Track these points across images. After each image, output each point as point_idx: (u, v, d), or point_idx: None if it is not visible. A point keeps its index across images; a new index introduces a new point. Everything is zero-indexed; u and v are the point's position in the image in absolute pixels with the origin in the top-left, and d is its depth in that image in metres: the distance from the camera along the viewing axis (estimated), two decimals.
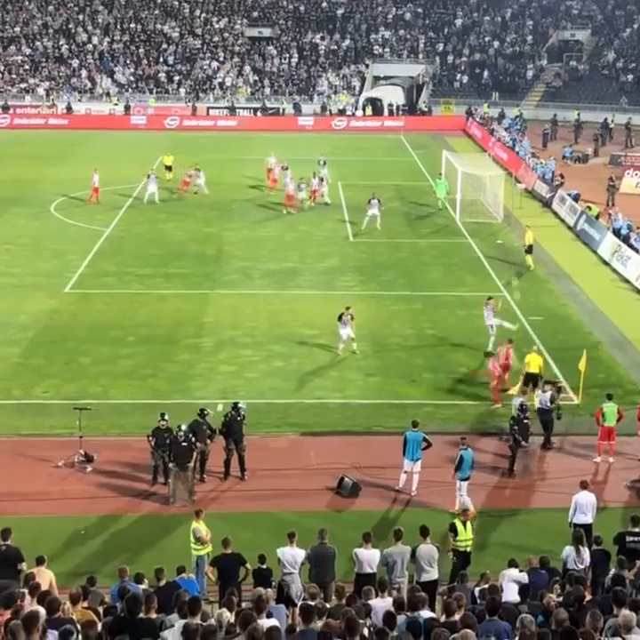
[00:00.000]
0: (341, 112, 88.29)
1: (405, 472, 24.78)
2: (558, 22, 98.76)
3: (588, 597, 15.23)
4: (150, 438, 24.96)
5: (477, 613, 13.96)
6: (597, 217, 49.16)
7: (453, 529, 20.34)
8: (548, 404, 27.19)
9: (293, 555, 18.76)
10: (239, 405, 25.91)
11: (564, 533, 20.58)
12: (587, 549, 18.89)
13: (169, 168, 58.40)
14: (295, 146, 70.82)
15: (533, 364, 29.69)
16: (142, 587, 16.55)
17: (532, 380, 29.59)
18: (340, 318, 33.39)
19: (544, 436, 27.19)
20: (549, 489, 24.75)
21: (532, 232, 44.43)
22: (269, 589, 17.03)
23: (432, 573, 19.17)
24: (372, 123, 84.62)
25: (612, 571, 17.13)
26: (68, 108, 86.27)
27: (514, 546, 21.39)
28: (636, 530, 19.05)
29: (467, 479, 23.96)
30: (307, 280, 41.65)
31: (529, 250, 43.67)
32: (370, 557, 18.74)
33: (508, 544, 21.87)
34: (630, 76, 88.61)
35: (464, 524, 20.40)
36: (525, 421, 25.95)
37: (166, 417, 25.08)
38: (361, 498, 24.59)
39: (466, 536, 20.31)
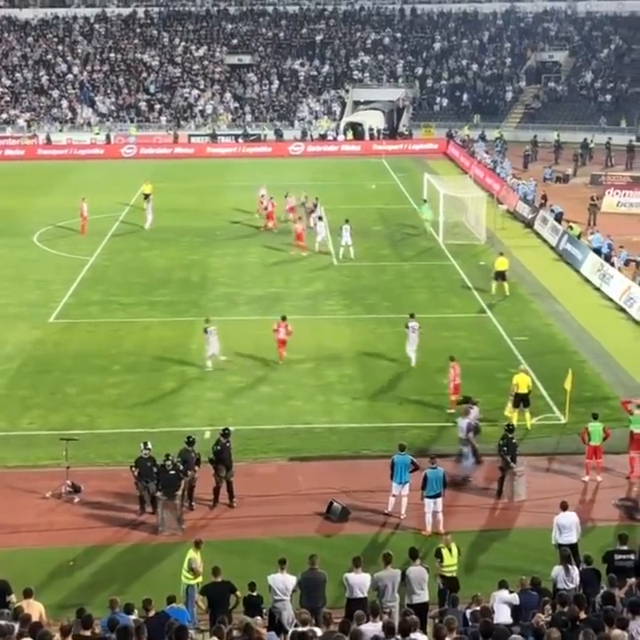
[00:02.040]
0: (322, 137, 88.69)
1: (394, 496, 24.75)
2: (536, 44, 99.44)
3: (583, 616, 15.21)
4: (133, 468, 24.87)
5: (470, 636, 13.93)
6: (579, 236, 49.41)
7: (439, 555, 20.31)
8: (467, 433, 26.91)
9: (284, 581, 18.69)
10: (228, 431, 25.84)
11: (555, 553, 20.56)
12: (576, 568, 18.88)
13: (147, 197, 58.02)
14: (278, 171, 70.97)
15: (522, 384, 29.69)
16: (133, 617, 16.45)
17: (522, 401, 29.62)
18: (205, 331, 34.27)
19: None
20: (538, 509, 24.73)
21: (506, 259, 43.59)
22: (259, 617, 16.95)
23: (423, 595, 19.15)
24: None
25: (603, 589, 17.14)
26: (48, 139, 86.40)
27: (504, 567, 21.36)
28: (625, 548, 19.07)
29: (435, 496, 23.84)
30: (291, 305, 41.66)
31: (498, 276, 42.82)
32: (360, 582, 18.68)
33: (499, 565, 21.82)
34: (608, 96, 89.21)
35: (449, 549, 20.37)
36: (514, 442, 25.98)
37: (149, 446, 24.99)
38: (350, 522, 24.54)
39: (451, 561, 20.26)
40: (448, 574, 20.08)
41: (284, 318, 35.34)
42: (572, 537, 21.30)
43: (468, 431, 26.80)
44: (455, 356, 31.86)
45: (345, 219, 49.51)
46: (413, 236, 53.81)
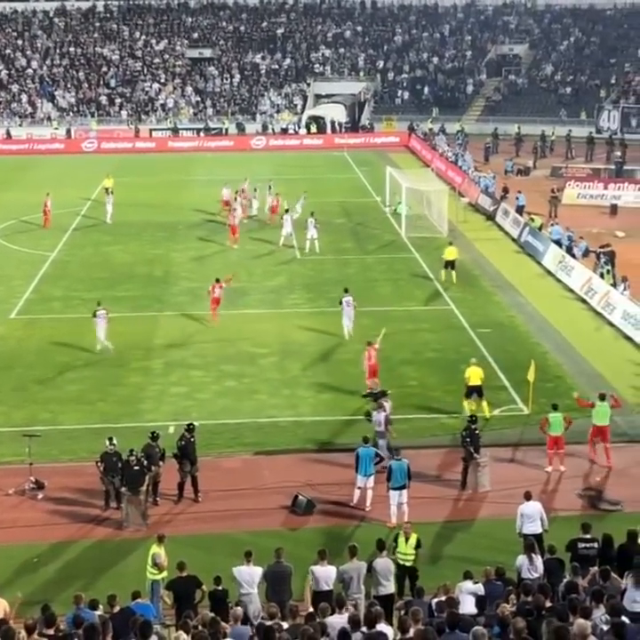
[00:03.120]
0: (284, 131, 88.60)
1: (359, 488, 24.79)
2: (496, 37, 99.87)
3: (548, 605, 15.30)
4: (99, 464, 24.77)
5: (436, 626, 13.97)
6: (540, 228, 49.69)
7: (395, 540, 20.46)
8: (385, 426, 26.95)
9: (251, 573, 18.68)
10: (192, 426, 25.76)
11: (519, 543, 20.68)
12: (539, 557, 19.00)
13: (108, 191, 57.68)
14: (240, 165, 70.75)
15: (474, 376, 29.87)
16: (97, 613, 16.37)
17: (476, 391, 29.84)
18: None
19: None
20: (502, 499, 24.84)
21: (455, 248, 44.46)
22: (239, 608, 16.87)
23: (389, 587, 19.25)
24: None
25: (566, 578, 17.26)
26: (8, 134, 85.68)
27: (469, 558, 21.42)
28: (588, 536, 19.20)
29: (399, 488, 23.87)
30: (255, 299, 41.63)
31: (450, 265, 43.51)
32: (326, 575, 18.70)
33: (463, 556, 21.89)
34: (568, 89, 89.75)
35: (406, 538, 20.43)
36: (477, 433, 26.10)
37: (114, 441, 24.90)
38: (315, 515, 24.56)
39: (405, 549, 20.33)
40: (401, 562, 20.17)
41: (217, 280, 38.24)
42: (536, 527, 21.42)
43: (386, 424, 26.84)
44: (419, 348, 31.93)
45: (310, 211, 49.62)
46: (376, 229, 53.89)
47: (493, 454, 26.81)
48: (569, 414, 27.30)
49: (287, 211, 51.02)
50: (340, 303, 36.83)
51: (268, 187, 56.97)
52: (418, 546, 20.46)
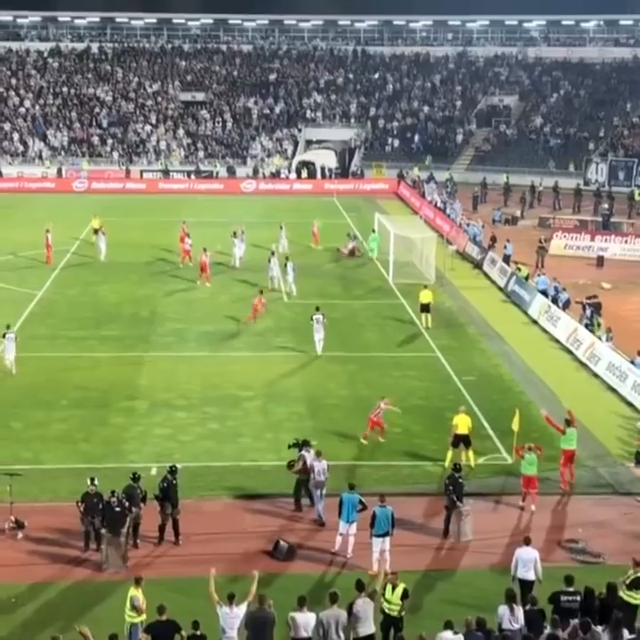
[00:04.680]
0: (275, 175, 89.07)
1: (341, 534, 24.64)
2: (487, 88, 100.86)
3: None
4: (79, 504, 24.61)
5: None
6: (527, 278, 49.92)
7: (383, 588, 20.28)
8: (323, 474, 26.65)
9: (236, 615, 18.56)
10: (175, 468, 25.64)
11: (500, 593, 20.57)
12: (520, 608, 18.91)
13: (97, 231, 58.03)
14: (230, 208, 71.01)
15: (462, 424, 29.83)
16: None
17: (462, 441, 29.79)
18: None
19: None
20: (484, 549, 24.78)
21: (431, 291, 44.77)
22: None
23: (368, 627, 19.09)
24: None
25: (547, 630, 17.19)
26: None
27: (449, 608, 21.30)
28: (571, 589, 19.15)
29: (383, 535, 23.70)
30: (241, 341, 41.63)
31: (425, 309, 43.91)
32: (305, 621, 18.57)
33: (444, 606, 21.77)
34: (557, 141, 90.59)
35: (393, 587, 20.22)
36: (460, 481, 26.03)
37: (96, 482, 24.74)
38: (297, 561, 24.41)
39: (392, 599, 20.05)
40: (387, 611, 20.01)
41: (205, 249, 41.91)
42: (529, 574, 21.30)
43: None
44: (405, 395, 31.87)
45: (285, 256, 50.61)
46: (364, 274, 54.09)
47: (476, 503, 26.75)
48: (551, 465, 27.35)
49: (273, 253, 51.32)
50: (311, 319, 39.83)
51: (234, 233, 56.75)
52: (405, 596, 20.06)
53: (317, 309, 40.38)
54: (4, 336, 37.07)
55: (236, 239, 55.23)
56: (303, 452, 27.36)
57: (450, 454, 29.59)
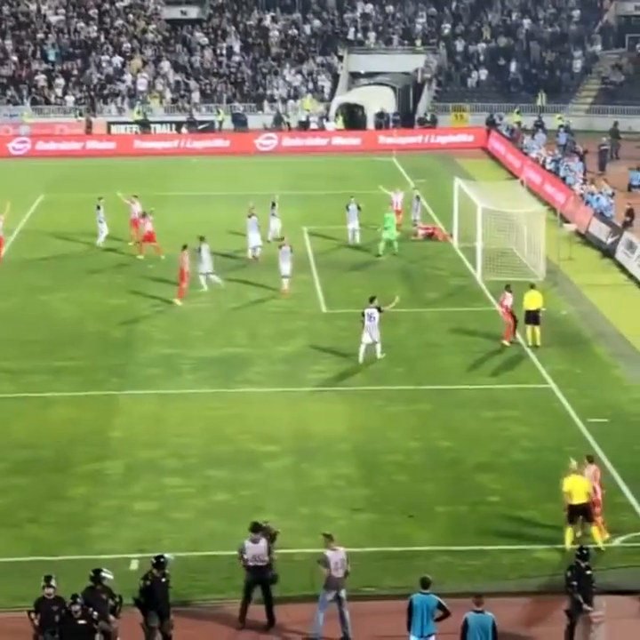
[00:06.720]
0: (304, 126, 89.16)
1: None
2: None
3: None
4: (32, 615, 24.68)
5: None
6: None
7: None
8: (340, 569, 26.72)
9: None
10: (163, 560, 25.71)
11: None
12: None
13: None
14: (238, 176, 71.24)
15: (577, 491, 29.36)
16: None
17: (580, 513, 29.54)
18: None
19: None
20: None
21: (540, 293, 44.71)
22: None
23: None
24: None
25: None
26: None
27: None
28: None
29: None
30: (260, 372, 41.75)
31: (532, 319, 43.88)
32: None
33: None
34: None
35: None
36: (589, 573, 25.90)
37: (53, 583, 24.75)
38: None
39: None
40: None
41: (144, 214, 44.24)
42: None
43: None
44: (503, 446, 31.75)
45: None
46: (439, 270, 54.13)
47: (613, 604, 26.69)
48: None
49: (282, 239, 51.95)
50: (363, 316, 42.43)
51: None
52: None
53: (371, 301, 42.91)
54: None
55: (270, 214, 56.81)
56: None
57: (569, 533, 29.50)
